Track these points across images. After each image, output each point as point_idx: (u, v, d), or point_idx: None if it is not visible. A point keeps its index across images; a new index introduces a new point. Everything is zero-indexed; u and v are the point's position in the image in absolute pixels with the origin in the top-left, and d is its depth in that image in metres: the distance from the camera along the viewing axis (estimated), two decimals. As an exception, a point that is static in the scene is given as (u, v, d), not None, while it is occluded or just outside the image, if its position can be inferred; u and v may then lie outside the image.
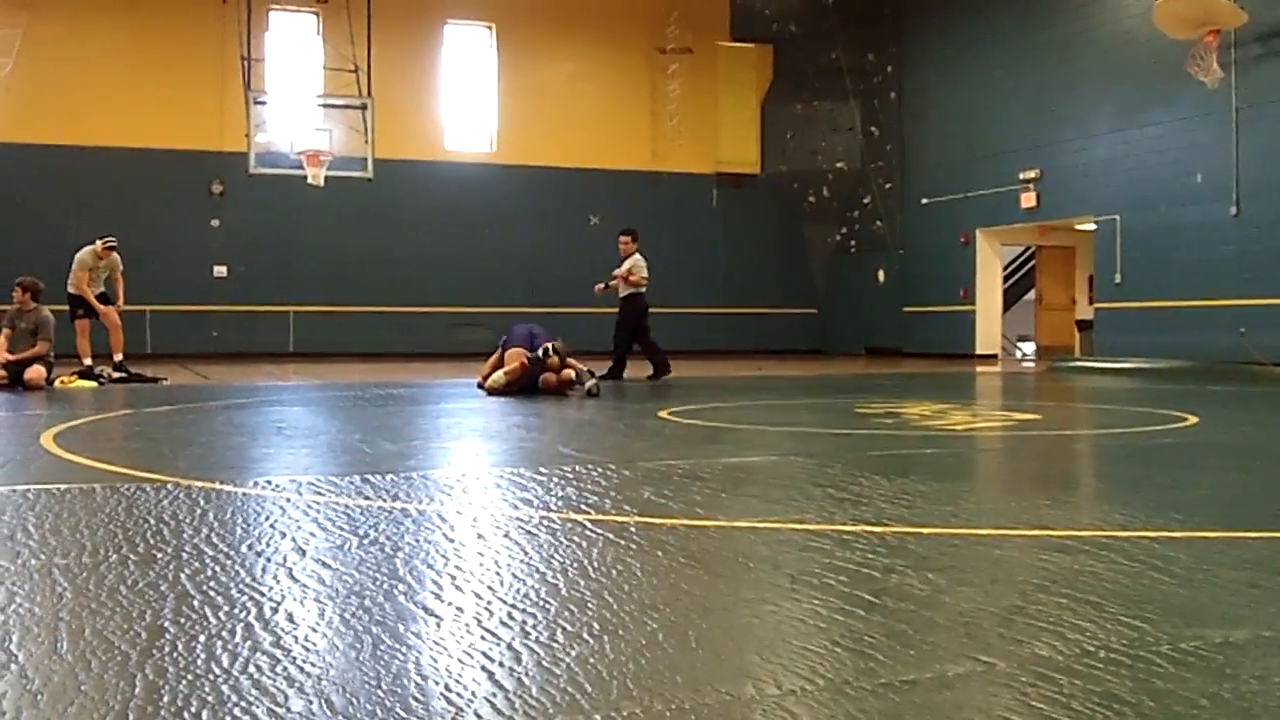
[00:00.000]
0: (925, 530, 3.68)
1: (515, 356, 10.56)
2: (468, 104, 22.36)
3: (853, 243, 23.54)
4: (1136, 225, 17.26)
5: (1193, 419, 8.04)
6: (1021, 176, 19.34)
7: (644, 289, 13.72)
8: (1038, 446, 7.06)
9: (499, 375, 10.58)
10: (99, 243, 12.94)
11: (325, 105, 18.98)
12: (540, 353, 10.45)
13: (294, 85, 20.04)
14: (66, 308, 12.80)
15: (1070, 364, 17.62)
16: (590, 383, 10.40)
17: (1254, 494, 4.80)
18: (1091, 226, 18.72)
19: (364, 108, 18.33)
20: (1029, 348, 22.97)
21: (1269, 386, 12.57)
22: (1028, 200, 19.31)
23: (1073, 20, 18.60)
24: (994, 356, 20.65)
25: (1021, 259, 23.92)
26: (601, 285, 14.03)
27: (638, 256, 13.75)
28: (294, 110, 19.21)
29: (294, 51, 20.74)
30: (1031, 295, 22.86)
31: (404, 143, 20.68)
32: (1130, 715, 1.92)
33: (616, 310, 13.92)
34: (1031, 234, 21.06)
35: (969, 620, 2.55)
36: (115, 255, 13.06)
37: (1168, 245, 16.71)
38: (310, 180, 17.93)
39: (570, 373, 10.44)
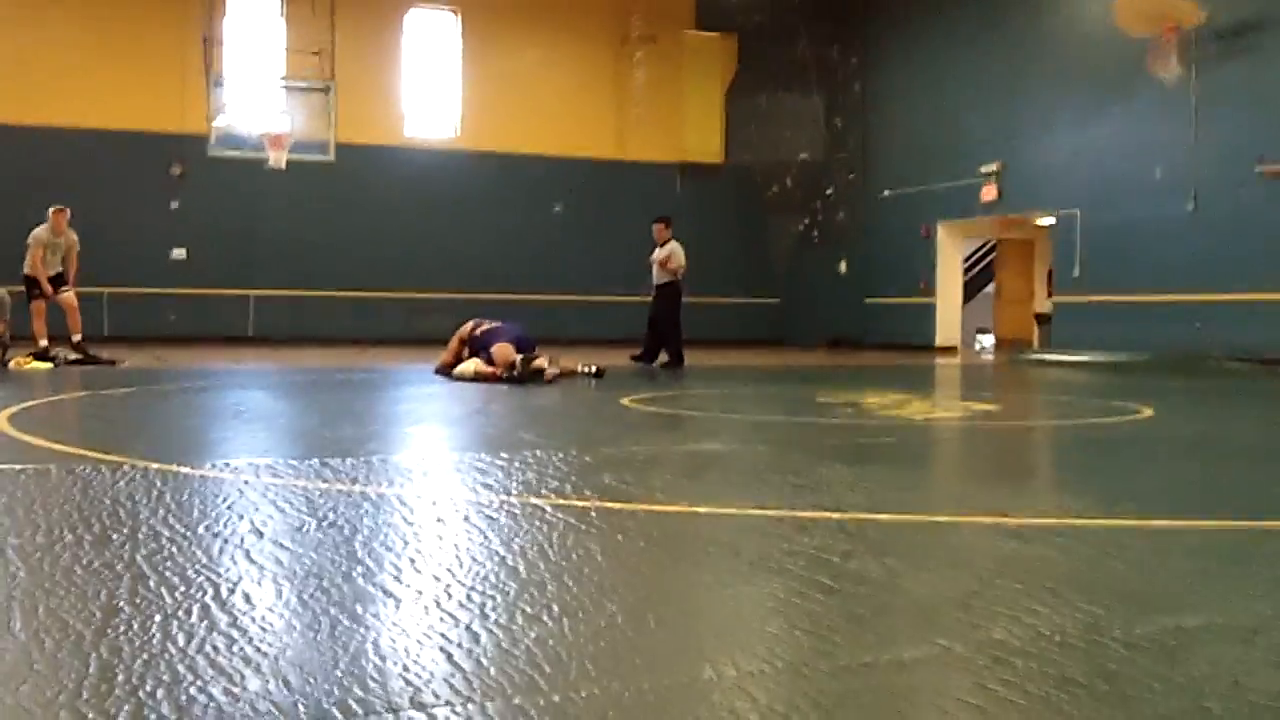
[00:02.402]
0: (884, 516, 3.71)
1: (504, 352, 10.17)
2: (432, 89, 22.22)
3: (815, 233, 23.60)
4: (1096, 220, 17.41)
5: (1148, 411, 8.14)
6: (983, 170, 19.46)
7: (680, 277, 13.39)
8: (996, 436, 7.12)
9: (468, 366, 10.41)
10: (51, 212, 12.71)
11: (287, 88, 18.78)
12: (519, 370, 9.95)
13: (256, 67, 19.79)
14: (23, 289, 12.61)
15: (1029, 356, 17.77)
16: (550, 370, 10.24)
17: (1206, 484, 4.87)
18: (1051, 221, 18.88)
19: (327, 91, 18.16)
20: (988, 340, 23.16)
21: (1222, 380, 12.74)
22: (989, 194, 19.44)
23: (1035, 16, 18.74)
24: (954, 348, 20.79)
25: (982, 252, 24.10)
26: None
27: (675, 244, 13.37)
28: (255, 92, 18.98)
29: (256, 33, 20.50)
30: (991, 288, 23.04)
31: (367, 127, 20.51)
32: (1084, 698, 1.94)
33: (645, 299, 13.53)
34: (992, 227, 21.21)
35: (926, 605, 2.58)
36: (72, 233, 12.85)
37: (1126, 240, 16.88)
38: (271, 163, 17.75)
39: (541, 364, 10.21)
